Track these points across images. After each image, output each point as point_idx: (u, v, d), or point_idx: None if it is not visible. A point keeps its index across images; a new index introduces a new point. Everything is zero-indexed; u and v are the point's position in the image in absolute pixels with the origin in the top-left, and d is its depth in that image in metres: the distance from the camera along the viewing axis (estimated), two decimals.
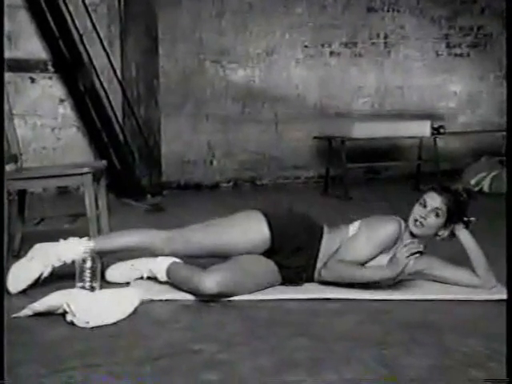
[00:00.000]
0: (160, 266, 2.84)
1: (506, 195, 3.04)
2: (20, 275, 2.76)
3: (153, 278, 2.88)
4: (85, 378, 1.93)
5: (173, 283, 2.80)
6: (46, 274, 2.78)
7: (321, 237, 2.86)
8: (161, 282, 2.84)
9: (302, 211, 3.04)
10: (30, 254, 2.82)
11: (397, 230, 2.78)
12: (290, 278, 2.85)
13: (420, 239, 2.79)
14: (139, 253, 2.91)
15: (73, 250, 2.77)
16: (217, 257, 2.84)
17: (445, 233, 2.80)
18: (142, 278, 2.91)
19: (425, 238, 2.81)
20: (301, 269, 2.85)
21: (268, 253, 2.82)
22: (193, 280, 2.68)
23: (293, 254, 2.83)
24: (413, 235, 2.79)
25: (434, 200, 2.75)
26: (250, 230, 2.82)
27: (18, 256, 3.39)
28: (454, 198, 2.76)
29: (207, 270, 2.71)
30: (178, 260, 2.85)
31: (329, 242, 2.85)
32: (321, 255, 2.85)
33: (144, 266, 2.90)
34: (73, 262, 2.75)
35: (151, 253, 2.87)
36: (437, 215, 2.74)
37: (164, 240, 2.83)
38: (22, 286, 2.75)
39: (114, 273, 2.93)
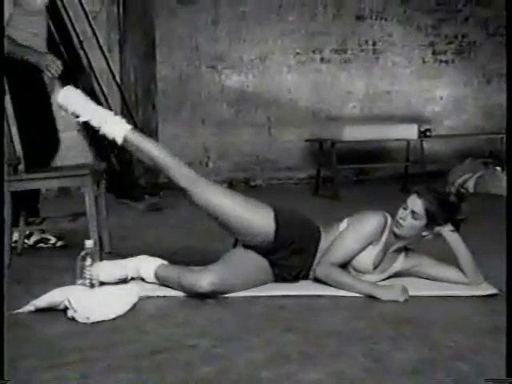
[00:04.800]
0: (147, 267, 2.84)
1: (506, 195, 3.05)
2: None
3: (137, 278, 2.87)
4: (84, 372, 1.93)
5: (162, 284, 2.80)
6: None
7: (318, 240, 2.87)
8: (148, 283, 2.84)
9: (304, 214, 2.99)
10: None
11: (381, 222, 2.80)
12: (286, 277, 2.86)
13: (403, 239, 2.83)
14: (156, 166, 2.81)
15: (117, 123, 2.82)
16: (220, 224, 2.81)
17: (429, 234, 2.79)
18: (126, 278, 2.87)
19: (408, 239, 2.84)
20: (299, 269, 2.86)
21: (266, 250, 2.81)
22: (186, 279, 2.69)
23: (291, 254, 2.83)
24: (396, 236, 2.81)
25: (412, 203, 2.75)
26: (259, 216, 2.77)
27: (20, 254, 3.51)
28: (438, 200, 2.74)
29: (201, 270, 2.72)
30: (164, 262, 2.86)
31: (324, 243, 2.87)
32: (317, 255, 2.87)
33: (131, 266, 2.88)
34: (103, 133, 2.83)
35: (167, 173, 2.80)
36: (414, 218, 2.74)
37: (187, 173, 2.79)
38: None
39: (98, 271, 2.75)
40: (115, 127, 2.80)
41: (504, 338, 2.01)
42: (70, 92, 2.86)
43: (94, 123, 2.82)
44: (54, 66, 3.52)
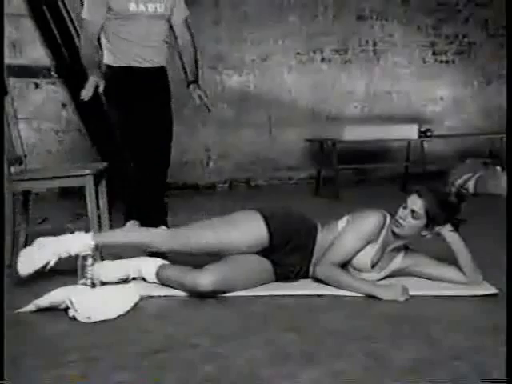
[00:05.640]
0: (149, 267, 2.86)
1: (506, 195, 3.10)
2: (28, 261, 2.79)
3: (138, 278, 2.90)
4: (86, 371, 1.96)
5: (163, 283, 2.83)
6: (52, 264, 2.79)
7: (315, 235, 2.90)
8: (149, 282, 2.87)
9: (298, 211, 3.03)
10: (38, 243, 2.83)
11: (380, 221, 2.81)
12: (286, 275, 2.88)
13: (402, 238, 2.84)
14: (137, 249, 2.93)
15: (79, 243, 2.79)
16: (214, 255, 2.84)
17: (428, 233, 2.80)
18: (127, 278, 2.89)
19: (407, 238, 2.85)
20: (297, 267, 2.89)
21: (265, 251, 2.84)
22: (187, 279, 2.71)
23: (290, 252, 2.86)
24: (395, 235, 2.82)
25: (413, 202, 2.75)
26: (248, 229, 2.81)
27: None
28: (438, 200, 2.74)
29: (203, 269, 2.73)
30: (165, 262, 2.89)
31: (322, 240, 2.89)
32: (315, 252, 2.89)
33: (132, 266, 2.90)
34: (77, 256, 2.78)
35: (150, 249, 2.89)
36: (414, 217, 2.74)
37: (164, 238, 2.85)
38: (29, 270, 2.79)
39: (99, 271, 2.82)
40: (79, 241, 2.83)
41: (504, 338, 2.03)
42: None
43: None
44: (85, 91, 3.38)
